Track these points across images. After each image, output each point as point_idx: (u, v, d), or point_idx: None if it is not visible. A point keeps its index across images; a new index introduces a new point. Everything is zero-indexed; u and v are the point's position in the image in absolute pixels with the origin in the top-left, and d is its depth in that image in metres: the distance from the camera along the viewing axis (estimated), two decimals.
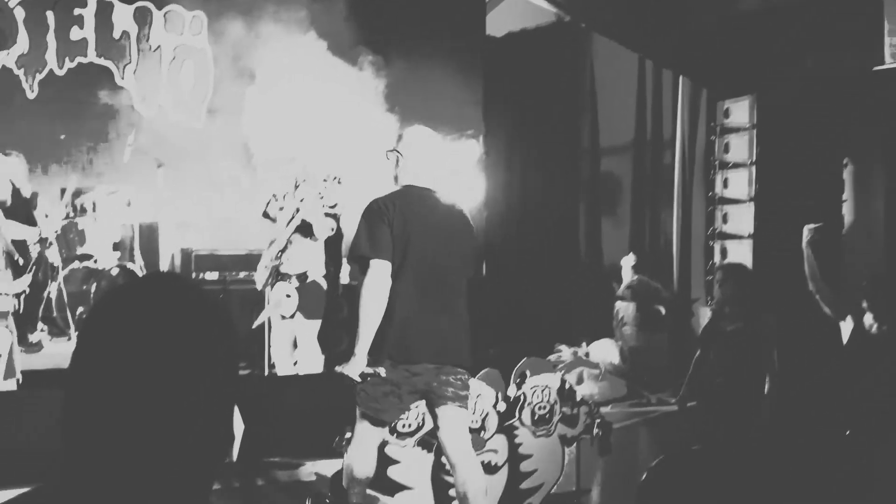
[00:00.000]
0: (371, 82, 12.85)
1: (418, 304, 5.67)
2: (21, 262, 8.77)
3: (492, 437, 8.29)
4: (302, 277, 9.21)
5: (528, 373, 8.61)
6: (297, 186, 9.31)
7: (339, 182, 9.28)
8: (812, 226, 7.70)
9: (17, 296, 8.72)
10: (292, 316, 9.19)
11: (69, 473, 1.50)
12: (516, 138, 14.83)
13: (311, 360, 9.27)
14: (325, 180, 9.15)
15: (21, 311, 9.57)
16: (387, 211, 5.65)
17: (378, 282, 5.54)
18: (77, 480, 1.49)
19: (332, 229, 9.32)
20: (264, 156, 11.78)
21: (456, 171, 13.73)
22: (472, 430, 8.13)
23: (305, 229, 9.15)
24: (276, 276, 9.24)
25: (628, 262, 12.48)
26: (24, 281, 8.83)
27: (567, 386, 8.88)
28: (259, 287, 9.46)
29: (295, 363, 9.33)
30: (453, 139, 13.80)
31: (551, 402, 8.62)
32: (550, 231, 14.44)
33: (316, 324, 9.26)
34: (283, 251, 9.22)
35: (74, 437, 1.51)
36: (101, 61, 12.68)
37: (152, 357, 1.48)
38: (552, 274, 13.82)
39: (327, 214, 9.26)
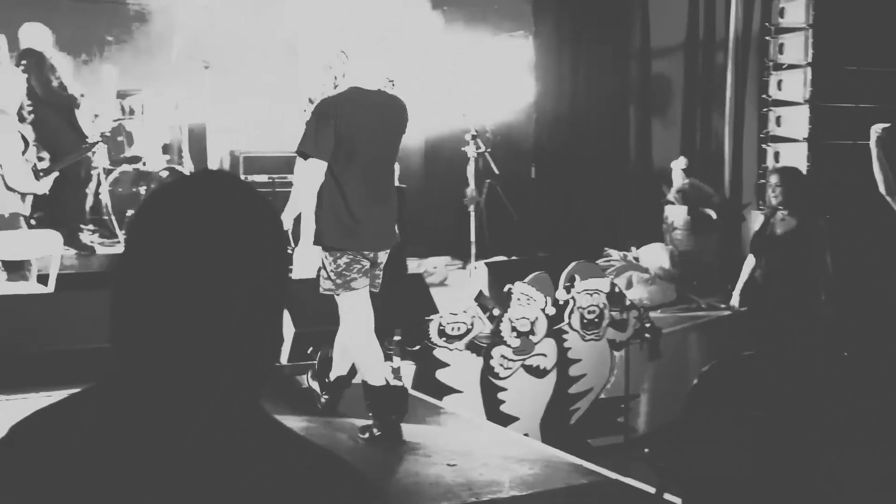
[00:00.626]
0: None
1: (365, 197, 6.17)
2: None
3: (540, 341, 8.30)
4: None
5: (577, 277, 8.59)
6: (336, 88, 9.20)
7: (393, 85, 9.18)
8: (881, 126, 7.53)
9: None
10: None
11: (118, 374, 1.48)
12: (566, 38, 14.59)
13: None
14: (383, 85, 9.04)
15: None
16: (335, 112, 6.12)
17: (313, 177, 6.16)
18: (126, 381, 1.47)
19: None
20: (310, 59, 11.70)
21: (505, 72, 13.60)
22: (521, 334, 8.16)
23: None
24: None
25: (679, 165, 12.31)
26: (46, 183, 8.87)
27: (616, 290, 8.85)
28: None
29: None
30: (503, 39, 13.63)
31: (601, 307, 8.60)
32: (600, 133, 14.27)
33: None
34: None
35: (122, 338, 1.48)
36: None
37: (201, 254, 1.43)
38: (602, 177, 13.68)
39: None
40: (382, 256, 6.40)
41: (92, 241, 10.49)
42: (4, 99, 8.82)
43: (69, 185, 10.13)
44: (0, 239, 9.11)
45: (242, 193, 1.52)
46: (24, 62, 10.09)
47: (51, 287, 8.34)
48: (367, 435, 6.25)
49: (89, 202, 10.72)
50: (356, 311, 6.27)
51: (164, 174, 10.91)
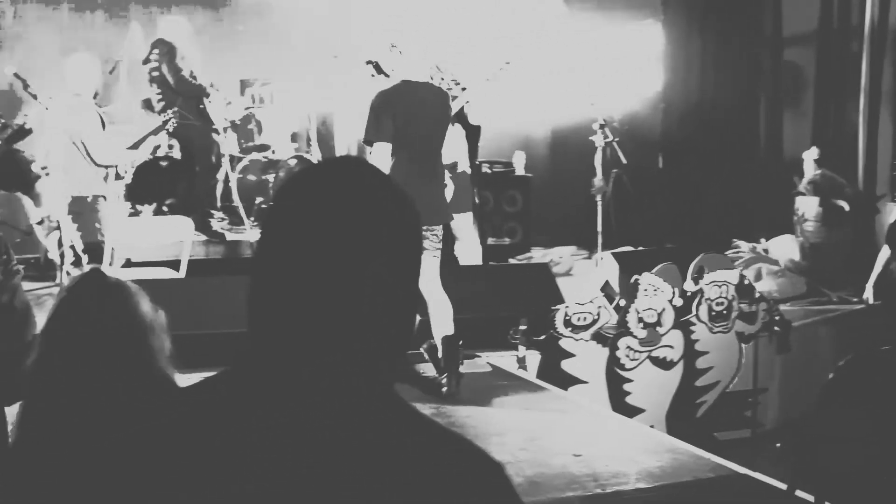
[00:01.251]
0: None
1: (417, 176, 6.79)
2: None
3: (668, 332, 8.22)
4: (452, 168, 9.05)
5: (705, 268, 8.48)
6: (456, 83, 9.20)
7: (509, 66, 9.14)
8: None
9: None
10: None
11: (255, 358, 1.50)
12: (695, 26, 14.40)
13: (471, 252, 9.25)
14: (500, 68, 9.03)
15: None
16: (390, 103, 7.03)
17: (383, 160, 6.90)
18: (261, 364, 1.49)
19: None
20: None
21: (633, 60, 13.48)
22: (647, 325, 8.09)
23: (458, 117, 9.05)
24: None
25: (811, 155, 12.05)
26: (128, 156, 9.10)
27: (745, 282, 8.71)
28: None
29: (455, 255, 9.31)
30: (631, 26, 13.51)
31: (729, 299, 8.48)
32: (729, 123, 14.03)
33: (469, 216, 9.21)
34: None
35: (259, 322, 1.50)
36: None
37: (335, 238, 1.45)
38: (731, 167, 13.48)
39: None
40: (437, 230, 7.12)
41: (221, 228, 10.68)
42: (80, 83, 9.08)
43: (199, 172, 10.36)
44: (135, 224, 9.37)
45: (375, 178, 1.55)
46: (155, 51, 10.34)
47: (182, 272, 8.53)
48: (446, 389, 6.76)
49: (219, 189, 10.92)
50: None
51: (293, 162, 11.06)
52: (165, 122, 9.77)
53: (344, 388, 1.45)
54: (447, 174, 8.90)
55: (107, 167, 9.15)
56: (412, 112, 7.07)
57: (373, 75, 9.40)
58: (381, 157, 6.99)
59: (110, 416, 2.62)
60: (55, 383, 2.79)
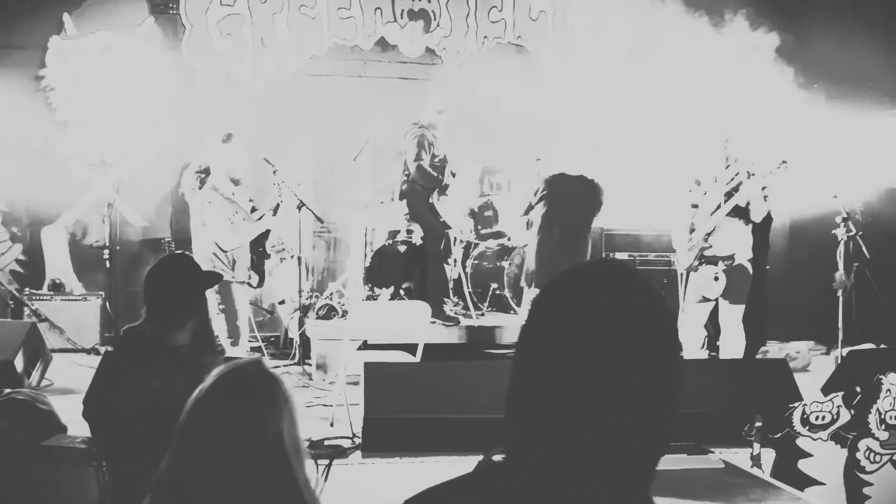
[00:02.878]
0: (788, 61, 12.51)
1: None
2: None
3: None
4: (729, 260, 9.08)
5: None
6: (727, 167, 9.20)
7: (786, 166, 9.10)
8: None
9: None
10: (716, 299, 9.12)
11: (516, 448, 1.57)
12: None
13: (734, 345, 9.15)
14: (777, 167, 9.01)
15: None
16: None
17: None
18: (524, 456, 1.56)
19: (770, 213, 9.21)
20: (676, 131, 11.72)
21: (877, 151, 13.10)
22: (890, 426, 7.77)
23: (738, 212, 9.04)
24: (701, 258, 9.19)
25: None
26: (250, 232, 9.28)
27: None
28: (681, 269, 9.42)
29: (715, 348, 9.26)
30: (876, 116, 13.15)
31: None
32: None
33: (740, 308, 9.12)
34: (710, 234, 9.15)
35: (521, 413, 1.58)
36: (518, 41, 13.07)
37: (602, 337, 1.53)
38: None
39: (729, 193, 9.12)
40: None
41: (455, 313, 10.86)
42: (217, 176, 9.31)
43: (435, 259, 10.60)
44: (376, 309, 9.64)
45: (640, 284, 1.62)
46: (406, 133, 10.68)
47: (418, 356, 8.72)
48: None
49: (454, 275, 11.14)
50: None
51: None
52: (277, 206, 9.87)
53: (604, 487, 1.51)
54: (721, 264, 8.94)
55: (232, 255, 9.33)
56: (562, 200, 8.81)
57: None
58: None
59: None
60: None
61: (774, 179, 9.05)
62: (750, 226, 9.15)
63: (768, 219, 9.35)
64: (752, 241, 9.26)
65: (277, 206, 9.61)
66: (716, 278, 9.11)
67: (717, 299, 9.15)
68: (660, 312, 1.60)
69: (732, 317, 9.12)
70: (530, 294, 9.42)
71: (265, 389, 2.81)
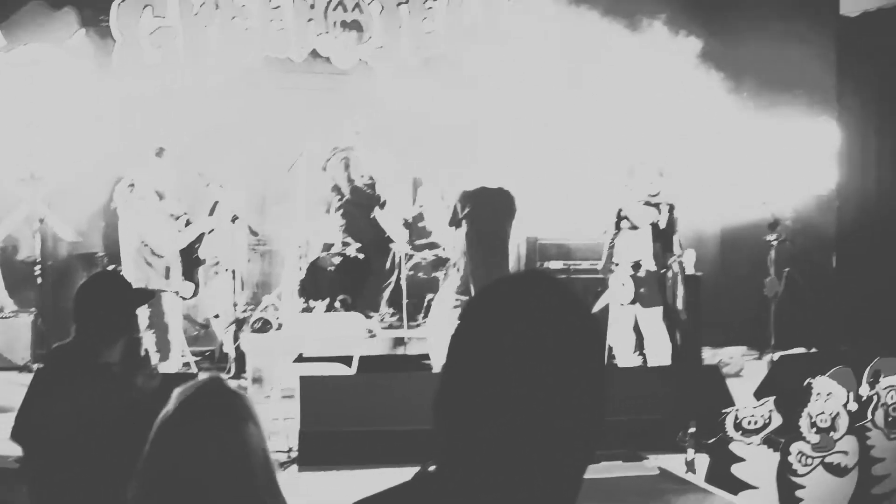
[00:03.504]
0: (716, 67, 12.67)
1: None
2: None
3: (842, 437, 7.99)
4: (635, 266, 9.22)
5: (881, 372, 8.24)
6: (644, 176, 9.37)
7: (660, 175, 9.30)
8: None
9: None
10: (632, 303, 9.25)
11: (446, 456, 1.60)
12: (873, 122, 14.15)
13: (658, 349, 9.25)
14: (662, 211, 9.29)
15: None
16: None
17: None
18: (453, 464, 1.58)
19: (655, 219, 9.32)
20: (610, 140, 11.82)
21: (807, 157, 13.30)
22: (821, 430, 7.88)
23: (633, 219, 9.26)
24: (613, 263, 9.39)
25: None
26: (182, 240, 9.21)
27: None
28: (602, 274, 9.60)
29: (642, 353, 9.38)
30: (805, 123, 13.35)
31: None
32: None
33: (655, 311, 9.23)
34: (612, 240, 9.36)
35: (450, 419, 1.60)
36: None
37: (530, 346, 1.55)
38: None
39: (648, 204, 9.26)
40: None
41: (391, 325, 10.88)
42: (143, 189, 9.14)
43: (373, 270, 10.62)
44: (309, 320, 9.61)
45: (570, 296, 1.65)
46: (328, 159, 10.74)
47: (354, 369, 8.71)
48: None
49: (390, 286, 11.16)
50: None
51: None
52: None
53: (531, 496, 1.53)
54: (627, 272, 9.13)
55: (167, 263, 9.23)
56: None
57: None
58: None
59: None
60: None
61: (648, 185, 9.30)
62: (647, 232, 9.31)
63: (670, 225, 9.49)
64: (654, 247, 9.41)
65: (215, 204, 9.52)
66: (622, 284, 9.27)
67: (633, 303, 9.29)
68: (584, 320, 1.64)
69: (649, 321, 9.26)
70: (451, 299, 9.57)
71: (229, 405, 2.81)
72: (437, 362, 9.19)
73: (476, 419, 1.55)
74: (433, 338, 9.67)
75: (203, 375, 2.97)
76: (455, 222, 9.80)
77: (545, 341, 1.56)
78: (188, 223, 9.44)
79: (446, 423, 1.59)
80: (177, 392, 2.82)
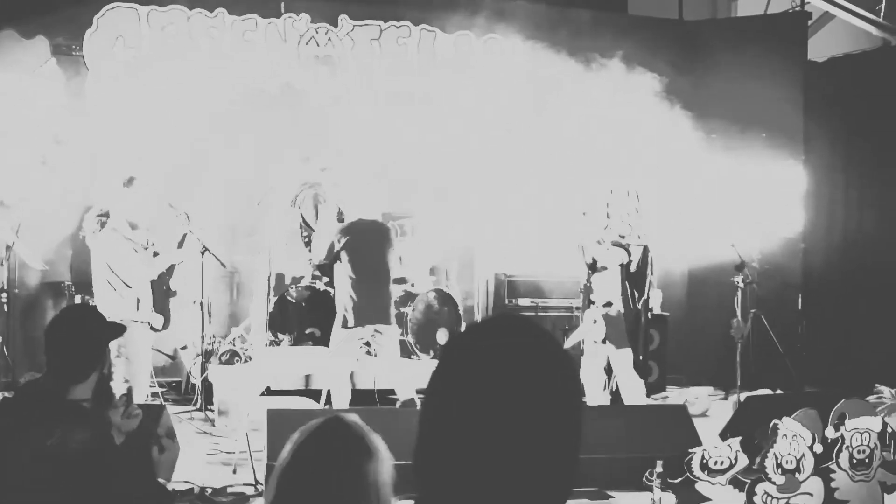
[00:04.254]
0: (682, 106, 12.80)
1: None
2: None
3: (807, 479, 8.03)
4: (607, 305, 9.28)
5: (846, 414, 8.29)
6: (610, 217, 9.43)
7: (634, 213, 9.39)
8: None
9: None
10: (603, 341, 9.29)
11: (425, 495, 1.63)
12: (839, 167, 14.31)
13: (629, 388, 9.29)
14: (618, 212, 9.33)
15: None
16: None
17: None
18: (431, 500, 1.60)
19: (624, 260, 9.37)
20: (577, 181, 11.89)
21: (773, 200, 13.42)
22: (786, 471, 7.93)
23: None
24: (588, 300, 9.44)
25: None
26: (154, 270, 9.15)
27: (889, 430, 8.49)
28: (580, 312, 9.68)
29: (612, 392, 9.41)
30: (771, 167, 13.48)
31: (871, 447, 8.26)
32: (877, 263, 13.78)
33: (626, 352, 9.26)
34: (588, 278, 9.42)
35: (430, 460, 1.63)
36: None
37: (505, 389, 1.58)
38: (874, 310, 13.22)
39: (617, 244, 9.32)
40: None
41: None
42: (116, 218, 8.95)
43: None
44: (279, 355, 9.58)
45: (546, 339, 1.67)
46: (297, 196, 10.78)
47: (322, 403, 8.69)
48: None
49: None
50: None
51: (431, 295, 11.24)
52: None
53: None
54: (600, 311, 9.16)
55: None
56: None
57: None
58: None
59: None
60: None
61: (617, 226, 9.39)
62: (618, 273, 9.36)
63: (643, 265, 9.55)
64: (622, 287, 9.44)
65: (184, 236, 9.47)
66: (594, 321, 9.32)
67: (605, 342, 9.33)
68: (560, 362, 1.67)
69: (620, 361, 9.29)
70: (339, 334, 9.42)
71: (358, 440, 2.78)
72: (337, 398, 9.09)
73: (454, 460, 1.58)
74: (332, 373, 9.46)
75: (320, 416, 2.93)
76: (332, 257, 9.66)
77: (520, 383, 1.59)
78: (155, 254, 9.38)
79: (425, 463, 1.62)
80: (299, 431, 2.82)
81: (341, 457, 2.73)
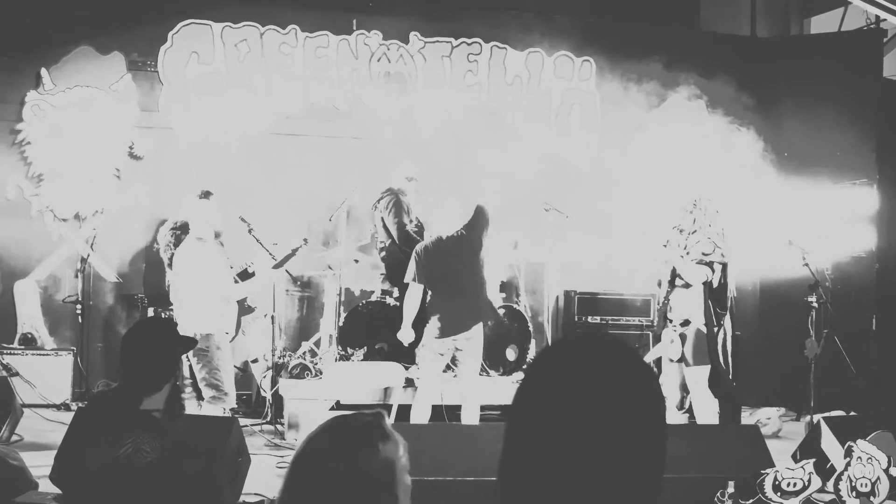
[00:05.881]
0: (755, 129, 12.75)
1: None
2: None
3: (882, 502, 7.91)
4: (685, 324, 9.21)
5: None
6: (693, 232, 9.34)
7: (721, 234, 9.29)
8: None
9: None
10: (679, 360, 9.21)
11: None
12: None
13: (703, 407, 9.20)
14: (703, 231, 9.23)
15: None
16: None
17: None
18: None
19: (708, 277, 9.26)
20: (648, 200, 11.85)
21: (846, 220, 13.27)
22: (861, 494, 7.82)
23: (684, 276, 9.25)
24: (666, 320, 9.36)
25: None
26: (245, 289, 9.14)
27: None
28: (657, 330, 9.63)
29: (687, 411, 9.33)
30: (844, 186, 13.33)
31: None
32: None
33: (702, 370, 9.17)
34: (666, 296, 9.33)
35: (515, 480, 1.63)
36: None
37: (595, 405, 1.60)
38: None
39: (702, 262, 9.22)
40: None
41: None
42: (200, 228, 8.80)
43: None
44: (350, 369, 9.60)
45: (626, 356, 1.69)
46: (380, 200, 10.82)
47: (392, 418, 8.69)
48: None
49: None
50: None
51: (501, 312, 11.23)
52: (295, 250, 9.51)
53: None
54: (674, 329, 9.07)
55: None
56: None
57: None
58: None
59: None
60: None
61: (699, 244, 9.25)
62: (701, 291, 9.25)
63: (723, 286, 9.43)
64: (705, 305, 9.32)
65: (294, 250, 9.38)
66: (672, 341, 9.24)
67: (680, 360, 9.24)
68: (645, 378, 1.68)
69: (695, 379, 9.19)
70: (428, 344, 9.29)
71: (374, 424, 2.76)
72: (418, 413, 9.03)
73: (541, 476, 1.58)
74: (422, 384, 9.40)
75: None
76: (418, 277, 9.30)
77: (608, 401, 1.60)
78: (251, 274, 9.47)
79: (511, 479, 1.62)
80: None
81: (354, 436, 2.70)
